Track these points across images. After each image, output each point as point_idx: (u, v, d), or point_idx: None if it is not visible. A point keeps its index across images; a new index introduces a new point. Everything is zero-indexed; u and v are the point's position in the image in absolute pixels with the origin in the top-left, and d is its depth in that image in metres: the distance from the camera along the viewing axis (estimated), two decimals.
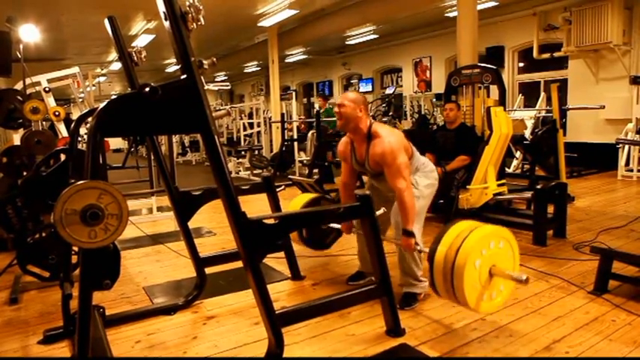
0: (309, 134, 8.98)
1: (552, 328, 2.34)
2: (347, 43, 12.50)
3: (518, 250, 2.16)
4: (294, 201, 3.21)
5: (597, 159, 7.89)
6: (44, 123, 5.57)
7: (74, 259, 2.64)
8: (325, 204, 3.22)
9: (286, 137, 8.89)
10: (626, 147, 6.98)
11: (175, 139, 11.68)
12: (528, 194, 4.23)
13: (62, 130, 5.44)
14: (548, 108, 7.10)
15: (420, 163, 2.75)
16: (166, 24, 1.70)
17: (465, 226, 2.11)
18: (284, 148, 8.55)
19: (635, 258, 2.85)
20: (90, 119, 1.92)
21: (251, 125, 11.02)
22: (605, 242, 3.61)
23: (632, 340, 2.18)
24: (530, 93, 9.05)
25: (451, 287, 2.04)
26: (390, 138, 2.52)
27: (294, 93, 10.23)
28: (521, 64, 9.75)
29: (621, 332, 2.26)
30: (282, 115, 9.29)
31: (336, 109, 2.62)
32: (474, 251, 1.99)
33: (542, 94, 8.05)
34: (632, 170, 6.99)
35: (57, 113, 5.33)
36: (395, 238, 2.64)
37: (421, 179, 2.70)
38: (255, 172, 8.95)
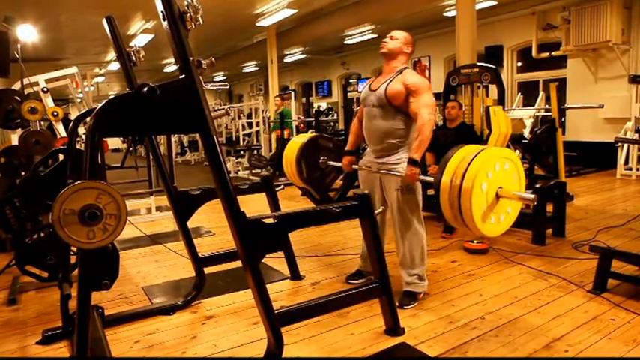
0: (308, 133, 8.99)
1: (551, 326, 2.34)
2: (345, 42, 12.50)
3: (523, 172, 2.14)
4: (291, 143, 3.22)
5: (596, 158, 7.90)
6: (42, 123, 5.56)
7: (73, 259, 2.64)
8: (323, 141, 3.22)
9: (285, 137, 8.89)
10: (625, 146, 6.99)
11: (174, 138, 11.67)
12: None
13: (61, 131, 5.44)
14: (547, 107, 7.11)
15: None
16: (165, 24, 1.70)
17: (469, 151, 2.09)
18: (282, 148, 8.55)
19: (634, 257, 2.86)
20: (88, 119, 1.91)
21: (250, 125, 11.02)
22: (603, 241, 3.62)
23: (632, 339, 2.18)
24: (529, 92, 9.06)
25: (459, 213, 2.02)
26: (424, 79, 2.61)
27: (292, 93, 10.22)
28: (519, 64, 9.75)
29: (620, 331, 2.26)
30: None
31: (386, 40, 2.67)
32: (479, 175, 1.96)
33: (541, 93, 8.07)
34: (630, 169, 7.00)
35: (55, 113, 5.33)
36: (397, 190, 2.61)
37: None
38: (254, 171, 8.95)
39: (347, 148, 2.99)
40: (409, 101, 2.54)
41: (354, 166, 2.91)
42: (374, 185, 2.75)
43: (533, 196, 1.97)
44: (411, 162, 2.44)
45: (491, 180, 2.01)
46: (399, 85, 2.55)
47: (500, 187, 2.04)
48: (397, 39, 2.65)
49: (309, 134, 3.34)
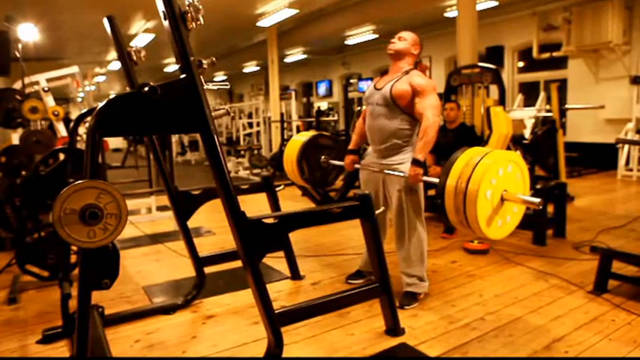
0: (309, 132, 8.98)
1: (552, 327, 2.34)
2: (346, 42, 12.50)
3: (527, 171, 2.13)
4: (292, 142, 3.22)
5: (597, 159, 7.90)
6: (43, 122, 5.56)
7: (73, 258, 2.64)
8: (324, 140, 3.22)
9: (285, 137, 8.90)
10: (626, 147, 6.99)
11: (175, 138, 11.68)
12: None
13: (61, 130, 5.44)
14: (547, 108, 7.11)
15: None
16: (166, 23, 1.69)
17: (473, 154, 2.07)
18: (283, 148, 8.55)
19: (635, 258, 2.85)
20: (89, 119, 1.91)
21: (250, 125, 11.02)
22: (604, 242, 3.61)
23: (632, 340, 2.18)
24: (530, 93, 9.06)
25: (464, 218, 2.02)
26: (431, 81, 2.59)
27: (293, 93, 10.21)
28: (520, 64, 9.75)
29: (621, 332, 2.26)
30: (282, 114, 9.28)
31: (394, 40, 2.67)
32: (484, 182, 1.95)
33: (542, 93, 8.06)
34: (631, 170, 7.00)
35: (56, 113, 5.33)
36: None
37: None
38: (254, 171, 8.95)
39: (350, 147, 2.96)
40: (414, 102, 2.53)
41: (357, 165, 2.89)
42: (376, 186, 2.74)
43: (538, 200, 1.95)
44: (415, 162, 2.44)
45: (496, 185, 2.00)
46: (404, 86, 2.53)
47: (505, 190, 2.03)
48: (405, 39, 2.65)
49: (311, 132, 3.32)
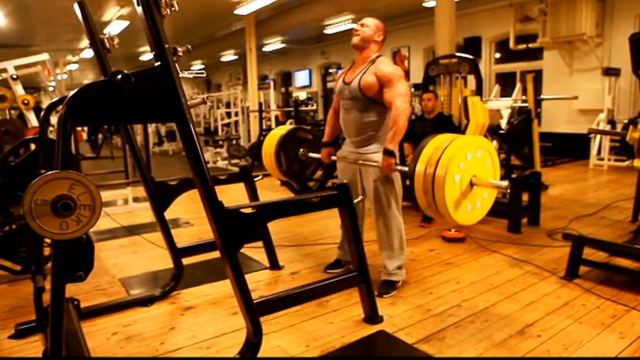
0: (287, 124, 8.95)
1: (526, 312, 2.40)
2: (325, 32, 12.43)
3: (497, 157, 2.18)
4: (270, 136, 3.20)
5: (570, 148, 8.09)
6: (12, 112, 5.40)
7: (47, 251, 2.58)
8: (302, 133, 3.22)
9: (264, 127, 8.84)
10: (598, 137, 7.17)
11: (151, 128, 11.49)
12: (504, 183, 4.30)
13: (32, 119, 5.29)
14: (523, 98, 7.23)
15: None
16: (139, 9, 1.65)
17: (442, 140, 2.10)
18: (262, 138, 8.50)
19: (605, 244, 2.95)
20: (60, 107, 1.86)
21: (229, 115, 10.91)
22: (576, 229, 3.72)
23: (601, 323, 2.25)
24: (506, 83, 9.19)
25: (433, 202, 2.04)
26: (397, 67, 2.57)
27: (272, 82, 10.11)
28: (497, 55, 9.87)
29: (590, 315, 2.34)
30: (260, 104, 9.21)
31: (357, 26, 2.63)
32: (451, 166, 1.98)
33: (518, 84, 8.19)
34: (603, 159, 7.19)
35: (26, 102, 5.18)
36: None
37: None
38: (232, 161, 8.88)
39: (324, 140, 2.98)
40: (383, 92, 2.53)
41: (333, 157, 2.91)
42: (353, 175, 2.75)
43: (506, 183, 2.00)
44: (386, 152, 2.45)
45: (464, 170, 2.03)
46: (371, 77, 2.53)
47: (474, 176, 2.07)
48: (368, 26, 2.61)
49: (288, 126, 3.31)
